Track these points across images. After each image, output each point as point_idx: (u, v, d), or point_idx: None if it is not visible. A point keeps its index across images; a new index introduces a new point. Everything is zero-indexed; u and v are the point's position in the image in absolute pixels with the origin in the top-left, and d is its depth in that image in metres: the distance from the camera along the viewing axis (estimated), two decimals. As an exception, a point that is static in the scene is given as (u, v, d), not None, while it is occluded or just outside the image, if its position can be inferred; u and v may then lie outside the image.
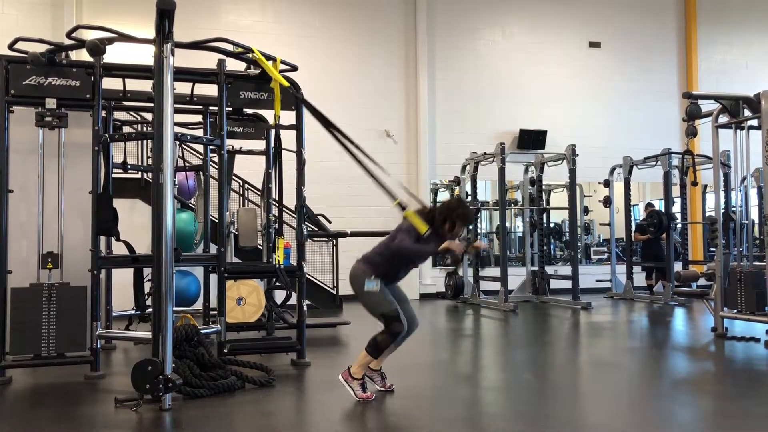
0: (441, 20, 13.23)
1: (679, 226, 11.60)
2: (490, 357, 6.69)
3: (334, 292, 10.94)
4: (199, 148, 8.51)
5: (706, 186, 14.02)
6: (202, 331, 5.10)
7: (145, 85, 5.60)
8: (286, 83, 5.54)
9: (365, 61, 12.69)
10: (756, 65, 14.98)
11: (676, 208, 11.61)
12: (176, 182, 6.85)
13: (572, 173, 11.02)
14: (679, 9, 14.87)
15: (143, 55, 5.21)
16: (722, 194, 9.09)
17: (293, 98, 5.79)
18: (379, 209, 12.02)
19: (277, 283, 5.96)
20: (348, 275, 4.49)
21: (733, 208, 7.55)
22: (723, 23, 15.05)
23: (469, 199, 11.70)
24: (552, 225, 13.94)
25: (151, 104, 5.18)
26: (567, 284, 10.95)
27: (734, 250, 7.22)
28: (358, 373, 4.38)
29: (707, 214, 13.94)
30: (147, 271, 5.79)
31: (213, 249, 6.34)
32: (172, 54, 4.37)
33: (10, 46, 5.19)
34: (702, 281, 9.21)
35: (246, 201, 10.63)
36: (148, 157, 9.09)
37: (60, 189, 5.35)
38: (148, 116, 7.57)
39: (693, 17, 14.74)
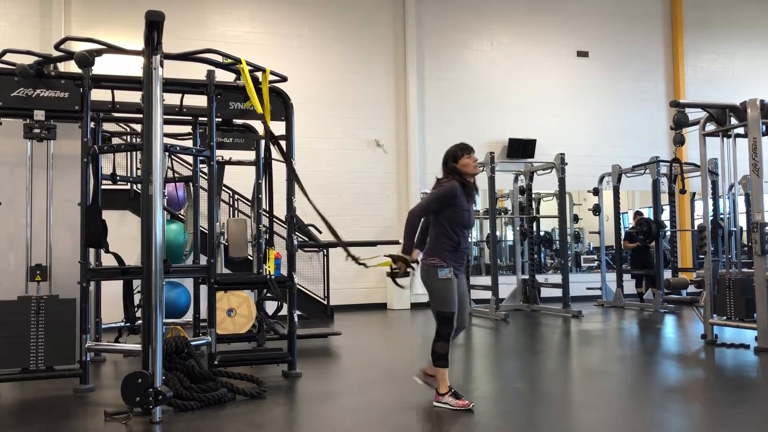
0: (430, 30, 13.29)
1: (668, 233, 11.67)
2: (481, 366, 6.68)
3: (325, 303, 10.92)
4: (189, 158, 8.49)
5: (694, 194, 14.11)
6: (193, 343, 5.08)
7: (134, 97, 5.60)
8: (260, 109, 5.43)
9: (355, 71, 12.71)
10: (742, 74, 15.13)
11: (665, 216, 11.67)
12: (165, 193, 6.82)
13: (561, 182, 11.07)
14: (665, 19, 15.02)
15: (132, 67, 5.21)
16: (710, 202, 9.15)
17: (283, 109, 5.81)
18: (369, 219, 12.05)
19: (268, 294, 5.95)
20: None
21: (722, 216, 7.59)
22: (709, 33, 15.21)
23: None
24: (542, 233, 13.98)
25: (140, 115, 5.16)
26: (557, 292, 10.98)
27: (723, 258, 7.26)
28: (444, 387, 4.45)
29: (696, 222, 14.03)
30: (137, 283, 5.77)
31: (203, 260, 6.31)
32: (161, 65, 4.38)
33: (-2, 58, 5.19)
34: (691, 288, 9.25)
35: (236, 212, 10.61)
36: (137, 169, 9.06)
37: (48, 201, 5.32)
38: (138, 127, 7.55)
39: (679, 27, 14.89)
